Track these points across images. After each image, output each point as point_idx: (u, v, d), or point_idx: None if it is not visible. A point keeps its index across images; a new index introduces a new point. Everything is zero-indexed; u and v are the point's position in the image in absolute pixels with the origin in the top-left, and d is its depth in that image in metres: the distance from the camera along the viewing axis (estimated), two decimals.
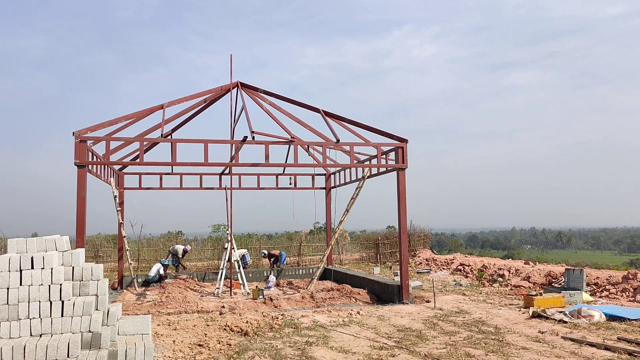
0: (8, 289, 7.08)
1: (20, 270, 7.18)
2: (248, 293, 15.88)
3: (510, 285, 16.82)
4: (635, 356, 7.87)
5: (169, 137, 16.16)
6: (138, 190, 19.05)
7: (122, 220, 17.87)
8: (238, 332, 10.20)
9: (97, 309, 7.48)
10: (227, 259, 16.50)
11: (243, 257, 19.87)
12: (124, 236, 17.97)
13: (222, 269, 16.43)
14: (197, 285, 18.18)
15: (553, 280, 16.15)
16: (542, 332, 9.77)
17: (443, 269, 22.73)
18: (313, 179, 20.96)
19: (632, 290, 13.84)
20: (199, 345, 9.02)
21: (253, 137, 13.64)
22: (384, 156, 15.43)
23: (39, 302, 7.10)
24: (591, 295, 14.27)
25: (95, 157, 14.20)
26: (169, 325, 11.00)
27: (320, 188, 21.00)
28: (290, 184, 20.35)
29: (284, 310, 13.09)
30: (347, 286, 15.49)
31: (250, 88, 16.18)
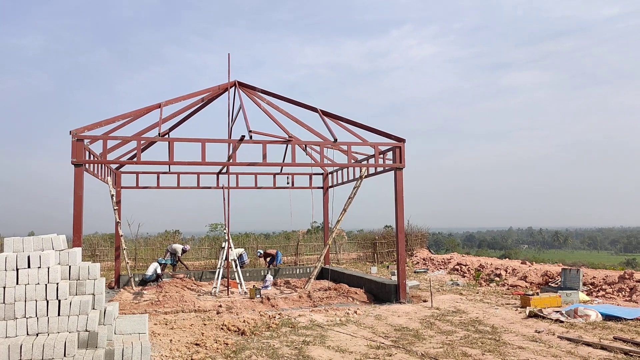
0: (4, 287, 7.05)
1: (17, 269, 7.16)
2: (245, 292, 15.89)
3: (507, 284, 16.86)
4: (631, 355, 7.89)
5: (167, 136, 16.14)
6: (135, 189, 19.04)
7: (119, 219, 17.84)
8: (235, 331, 10.20)
9: (93, 308, 7.46)
10: (224, 258, 16.48)
11: (240, 257, 19.87)
12: (121, 235, 17.95)
13: (220, 268, 16.44)
14: (194, 284, 18.18)
15: (550, 280, 16.19)
16: (539, 332, 9.79)
17: (440, 268, 22.77)
18: (311, 178, 21.01)
19: (629, 290, 13.89)
20: (196, 344, 9.02)
21: (251, 137, 13.64)
22: (382, 156, 15.43)
23: (36, 301, 7.08)
24: (588, 295, 14.32)
25: (92, 156, 14.19)
26: (166, 324, 10.99)
27: (318, 187, 21.03)
28: (288, 183, 20.35)
29: (281, 309, 13.10)
30: (344, 285, 15.51)
31: (248, 87, 16.17)
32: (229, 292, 16.01)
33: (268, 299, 13.97)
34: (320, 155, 14.66)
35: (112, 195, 16.84)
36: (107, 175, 16.94)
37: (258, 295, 14.82)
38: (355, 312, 12.32)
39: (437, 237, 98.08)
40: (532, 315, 11.43)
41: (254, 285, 17.43)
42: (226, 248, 16.55)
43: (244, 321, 11.02)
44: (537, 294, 13.45)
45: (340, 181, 19.04)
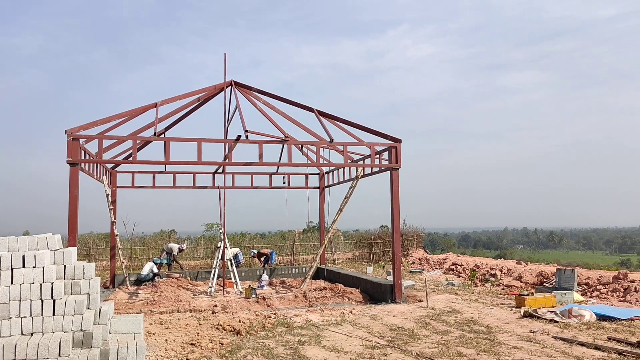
0: None
1: (12, 269, 7.14)
2: (241, 292, 15.86)
3: (502, 285, 16.91)
4: (625, 356, 7.94)
5: (162, 135, 16.12)
6: (131, 188, 18.98)
7: (115, 218, 17.80)
8: (230, 331, 10.20)
9: (88, 308, 7.45)
10: (220, 258, 16.47)
11: (236, 256, 19.84)
12: (117, 235, 17.91)
13: (215, 267, 16.41)
14: (190, 284, 18.13)
15: (544, 280, 16.26)
16: (533, 332, 9.84)
17: (436, 268, 22.82)
18: (307, 178, 21.02)
19: (623, 290, 13.97)
20: (191, 344, 9.01)
21: (247, 136, 13.65)
22: (378, 156, 15.45)
23: (30, 300, 7.07)
24: (582, 295, 14.39)
25: (87, 155, 14.15)
26: (161, 324, 10.98)
27: (314, 187, 21.03)
28: (284, 183, 20.36)
29: (276, 309, 13.10)
30: (340, 285, 15.51)
31: (244, 87, 16.16)
32: (225, 292, 15.99)
33: (264, 298, 13.96)
34: (317, 155, 14.71)
35: (108, 194, 16.80)
36: (103, 175, 16.90)
37: (254, 295, 14.80)
38: (351, 312, 12.34)
39: (432, 237, 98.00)
40: (527, 315, 11.48)
41: (249, 285, 17.40)
42: (222, 248, 16.54)
43: (240, 321, 11.02)
44: (532, 294, 13.50)
45: (336, 181, 19.05)
